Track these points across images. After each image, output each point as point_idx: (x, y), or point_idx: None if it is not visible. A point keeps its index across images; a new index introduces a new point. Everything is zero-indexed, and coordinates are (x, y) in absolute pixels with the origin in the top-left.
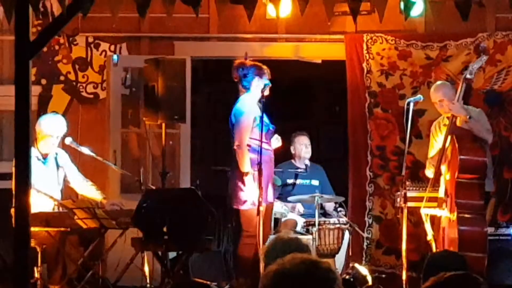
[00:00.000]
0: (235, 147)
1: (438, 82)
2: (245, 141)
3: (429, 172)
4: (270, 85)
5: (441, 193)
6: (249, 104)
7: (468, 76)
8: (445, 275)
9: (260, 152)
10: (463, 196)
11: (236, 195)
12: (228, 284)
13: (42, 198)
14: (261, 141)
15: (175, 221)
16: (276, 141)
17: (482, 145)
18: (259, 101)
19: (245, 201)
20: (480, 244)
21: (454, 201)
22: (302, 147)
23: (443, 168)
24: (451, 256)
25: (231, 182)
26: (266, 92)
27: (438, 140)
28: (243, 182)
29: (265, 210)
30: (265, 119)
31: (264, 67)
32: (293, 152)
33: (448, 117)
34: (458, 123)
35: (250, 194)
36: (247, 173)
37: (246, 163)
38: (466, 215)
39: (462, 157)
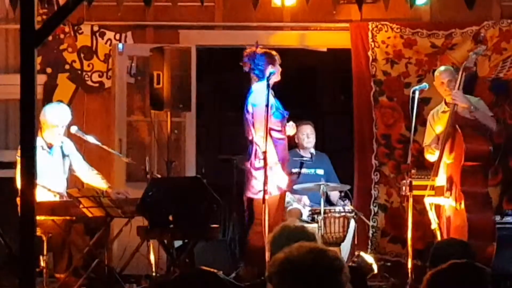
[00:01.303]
0: (256, 139)
1: (442, 67)
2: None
3: (430, 156)
4: (276, 72)
5: (440, 182)
6: (264, 93)
7: (467, 65)
8: (450, 263)
9: (266, 141)
10: (470, 184)
11: (250, 185)
12: (234, 272)
13: (44, 192)
14: (266, 128)
15: (181, 210)
16: (291, 129)
17: (485, 133)
18: (268, 87)
19: (259, 191)
20: (489, 232)
21: (460, 190)
22: (304, 136)
23: (445, 157)
24: (456, 244)
25: (246, 172)
26: (277, 78)
27: (436, 128)
28: (257, 172)
29: (279, 198)
30: (279, 106)
31: (274, 53)
32: (296, 141)
33: (447, 104)
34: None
35: (281, 183)
36: (275, 163)
37: (272, 155)
38: (474, 204)
39: (467, 145)
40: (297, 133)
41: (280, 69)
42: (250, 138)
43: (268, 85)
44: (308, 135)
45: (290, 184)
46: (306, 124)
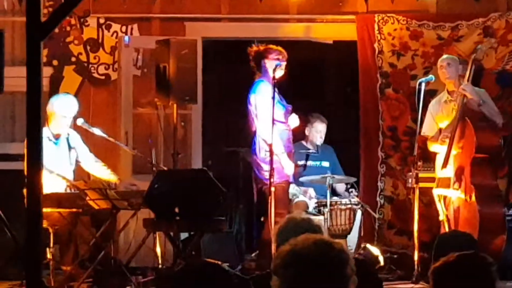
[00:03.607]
0: (259, 131)
1: (446, 55)
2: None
3: (435, 147)
4: (281, 65)
5: (446, 174)
6: (266, 89)
7: (476, 57)
8: (454, 255)
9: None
10: (480, 177)
11: (260, 176)
12: (240, 264)
13: (54, 179)
14: (273, 121)
15: (187, 202)
16: (294, 120)
17: (493, 126)
18: (273, 79)
19: (267, 181)
20: (499, 224)
21: (470, 182)
22: (318, 135)
23: (454, 149)
24: (460, 236)
25: (253, 163)
26: (280, 73)
27: (438, 119)
28: (264, 163)
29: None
30: (281, 99)
31: (278, 48)
32: (307, 134)
33: (450, 94)
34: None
35: (288, 171)
36: (282, 153)
37: (277, 144)
38: (485, 196)
39: (478, 138)
40: (310, 127)
41: (284, 64)
42: (254, 129)
43: (273, 77)
44: (321, 136)
45: (295, 174)
46: (323, 122)
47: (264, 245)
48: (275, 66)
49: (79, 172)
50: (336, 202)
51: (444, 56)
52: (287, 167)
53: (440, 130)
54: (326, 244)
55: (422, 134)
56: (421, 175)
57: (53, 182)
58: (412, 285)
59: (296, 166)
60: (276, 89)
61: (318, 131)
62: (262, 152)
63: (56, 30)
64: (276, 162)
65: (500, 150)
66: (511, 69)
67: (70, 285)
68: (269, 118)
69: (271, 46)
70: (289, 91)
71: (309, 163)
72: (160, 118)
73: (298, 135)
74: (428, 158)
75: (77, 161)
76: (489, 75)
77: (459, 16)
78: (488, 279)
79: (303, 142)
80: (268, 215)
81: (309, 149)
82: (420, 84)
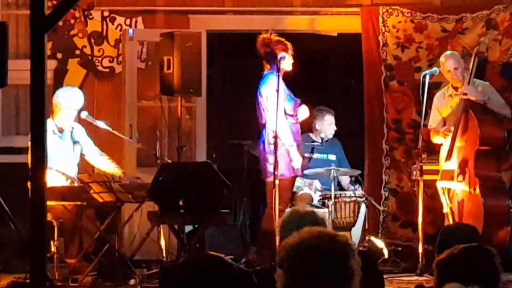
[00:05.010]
0: (269, 123)
1: (447, 52)
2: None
3: (438, 139)
4: (285, 58)
5: (449, 166)
6: (276, 81)
7: (479, 50)
8: (458, 247)
9: (276, 126)
10: (484, 169)
11: (265, 168)
12: (244, 257)
13: (55, 175)
14: (277, 115)
15: (191, 195)
16: (304, 112)
17: (497, 118)
18: (278, 71)
19: (272, 174)
20: (504, 216)
21: (474, 174)
22: (331, 127)
23: (458, 141)
24: (464, 228)
25: (261, 156)
26: (288, 67)
27: (442, 111)
28: (271, 155)
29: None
30: (290, 93)
31: (288, 43)
32: (317, 128)
33: (455, 88)
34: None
35: (296, 164)
36: (291, 145)
37: (288, 136)
38: (489, 188)
39: (482, 130)
40: (321, 121)
41: (292, 60)
42: (263, 122)
43: (278, 69)
44: (333, 126)
45: (302, 166)
46: (331, 113)
47: (263, 236)
48: (279, 58)
49: (84, 165)
50: (340, 194)
51: (448, 53)
52: (296, 160)
53: (443, 120)
54: (330, 236)
55: (429, 127)
56: (425, 167)
57: (57, 176)
58: (416, 277)
59: (303, 158)
60: (284, 84)
61: (330, 123)
62: (270, 145)
63: (60, 23)
64: (284, 155)
65: (503, 142)
66: None
67: (74, 278)
68: (279, 110)
69: (280, 38)
70: (294, 83)
71: (316, 155)
72: (164, 111)
73: (305, 127)
74: (433, 151)
75: (81, 155)
76: (494, 67)
77: (463, 8)
78: (492, 271)
79: (310, 135)
80: (267, 207)
81: (314, 141)
82: (424, 76)
